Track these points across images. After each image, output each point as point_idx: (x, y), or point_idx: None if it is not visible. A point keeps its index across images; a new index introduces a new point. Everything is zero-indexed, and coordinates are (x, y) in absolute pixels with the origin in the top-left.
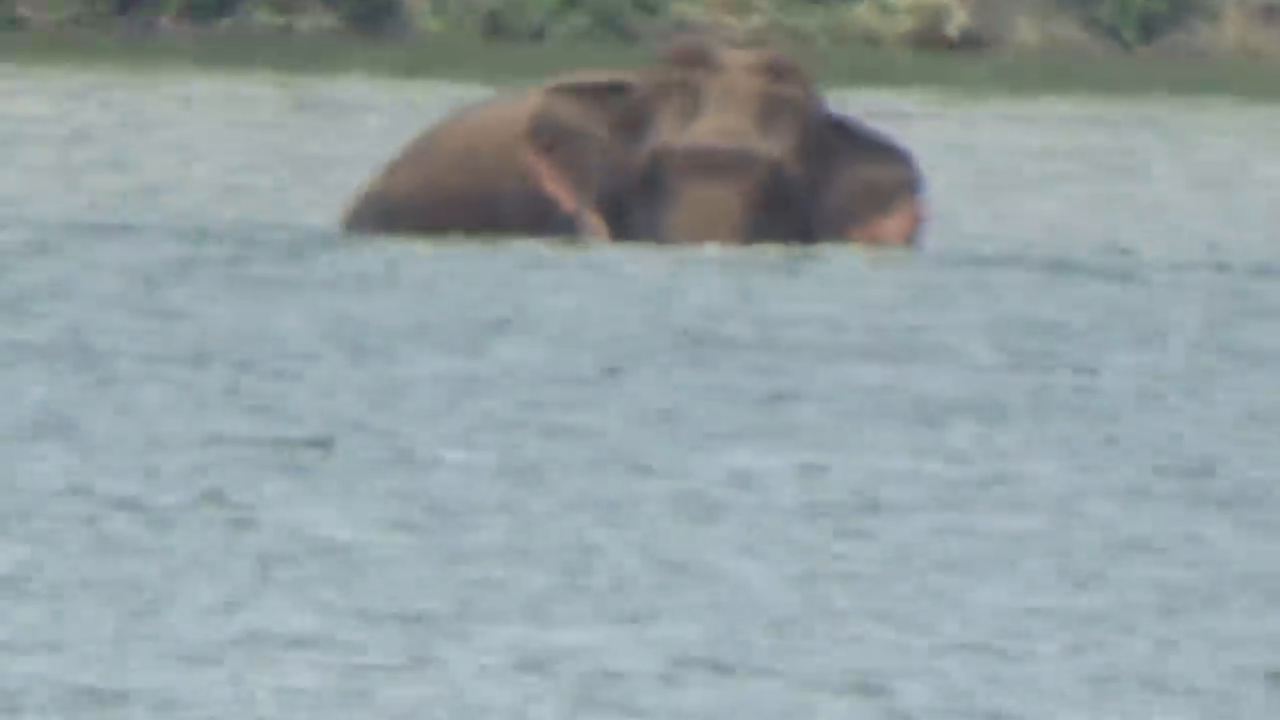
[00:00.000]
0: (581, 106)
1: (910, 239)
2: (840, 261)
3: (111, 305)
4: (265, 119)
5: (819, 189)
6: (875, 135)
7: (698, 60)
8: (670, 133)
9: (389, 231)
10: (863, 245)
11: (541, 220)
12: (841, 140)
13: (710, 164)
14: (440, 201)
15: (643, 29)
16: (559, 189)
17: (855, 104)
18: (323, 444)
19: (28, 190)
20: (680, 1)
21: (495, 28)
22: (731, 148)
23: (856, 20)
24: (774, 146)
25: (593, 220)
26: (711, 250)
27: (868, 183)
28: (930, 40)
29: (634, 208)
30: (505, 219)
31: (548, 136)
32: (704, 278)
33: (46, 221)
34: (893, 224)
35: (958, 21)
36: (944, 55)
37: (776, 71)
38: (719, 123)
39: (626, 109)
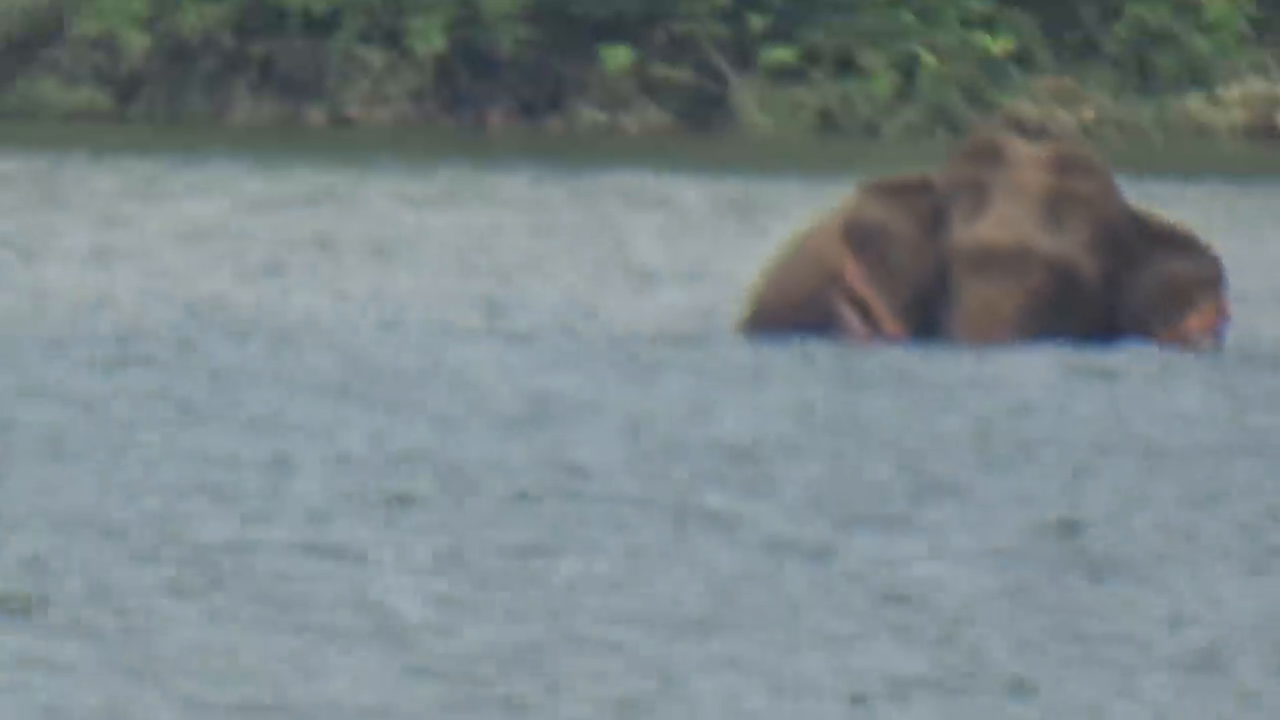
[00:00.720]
0: (890, 206)
1: (1215, 336)
2: (1149, 359)
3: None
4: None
5: (1121, 286)
6: (1176, 230)
7: (989, 156)
8: (958, 230)
9: (771, 332)
10: (1169, 342)
11: (861, 319)
12: (1141, 236)
13: (990, 261)
14: (793, 304)
15: (975, 123)
16: (867, 289)
17: (1187, 196)
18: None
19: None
20: (1012, 95)
21: (827, 123)
22: (1011, 244)
23: (1188, 112)
24: (1060, 243)
25: (886, 322)
26: (1017, 349)
27: (1170, 279)
28: (1262, 131)
29: (936, 306)
30: (834, 319)
31: (859, 237)
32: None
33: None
34: (1197, 321)
35: None
36: (1276, 147)
37: (1066, 166)
38: (1001, 219)
39: (928, 207)
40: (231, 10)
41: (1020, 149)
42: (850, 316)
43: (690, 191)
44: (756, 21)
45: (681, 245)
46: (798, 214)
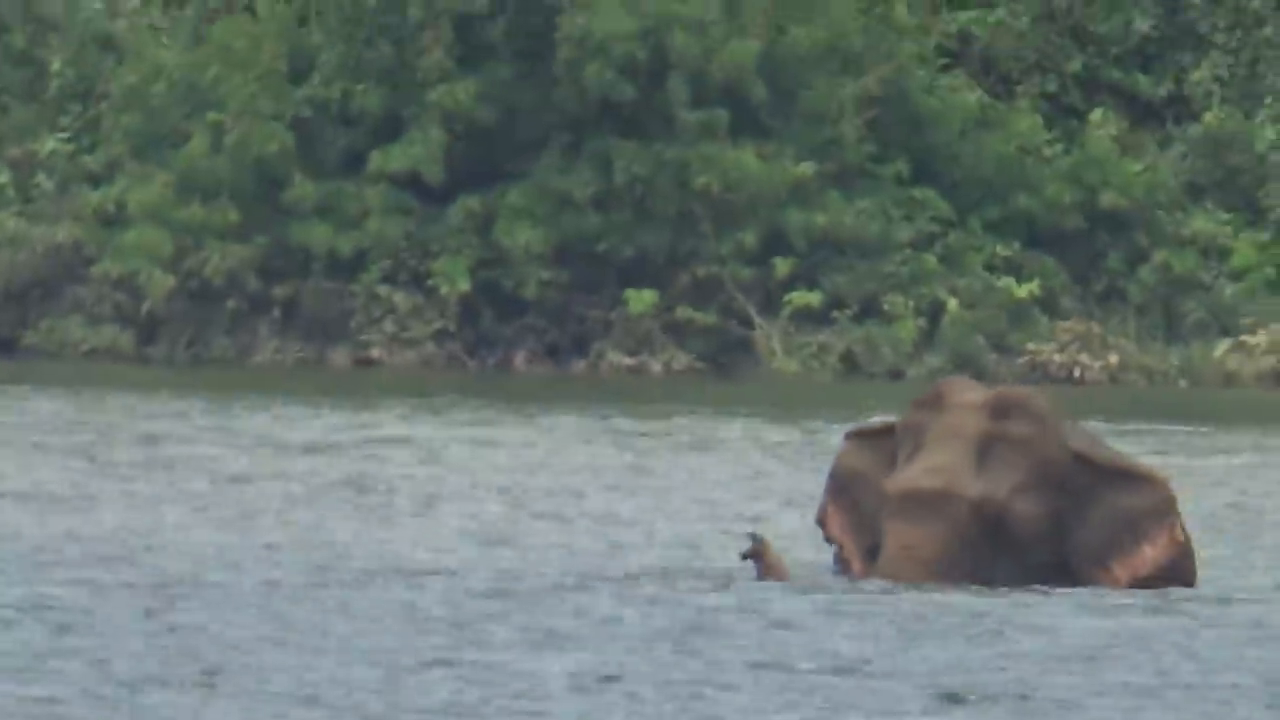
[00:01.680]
0: (863, 452)
1: (1172, 566)
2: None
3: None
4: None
5: (1070, 525)
6: (1124, 464)
7: (932, 401)
8: (893, 474)
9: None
10: (1125, 577)
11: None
12: (1088, 474)
13: (914, 504)
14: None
15: (999, 369)
16: (841, 534)
17: (1209, 441)
18: None
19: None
20: (1036, 340)
21: (851, 368)
22: (933, 488)
23: (1214, 359)
24: (989, 485)
25: (854, 563)
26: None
27: (1120, 513)
28: None
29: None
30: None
31: (836, 483)
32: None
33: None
34: (1151, 551)
35: None
36: None
37: (1003, 410)
38: (930, 464)
39: (890, 452)
40: (256, 251)
41: (962, 394)
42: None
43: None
44: (781, 266)
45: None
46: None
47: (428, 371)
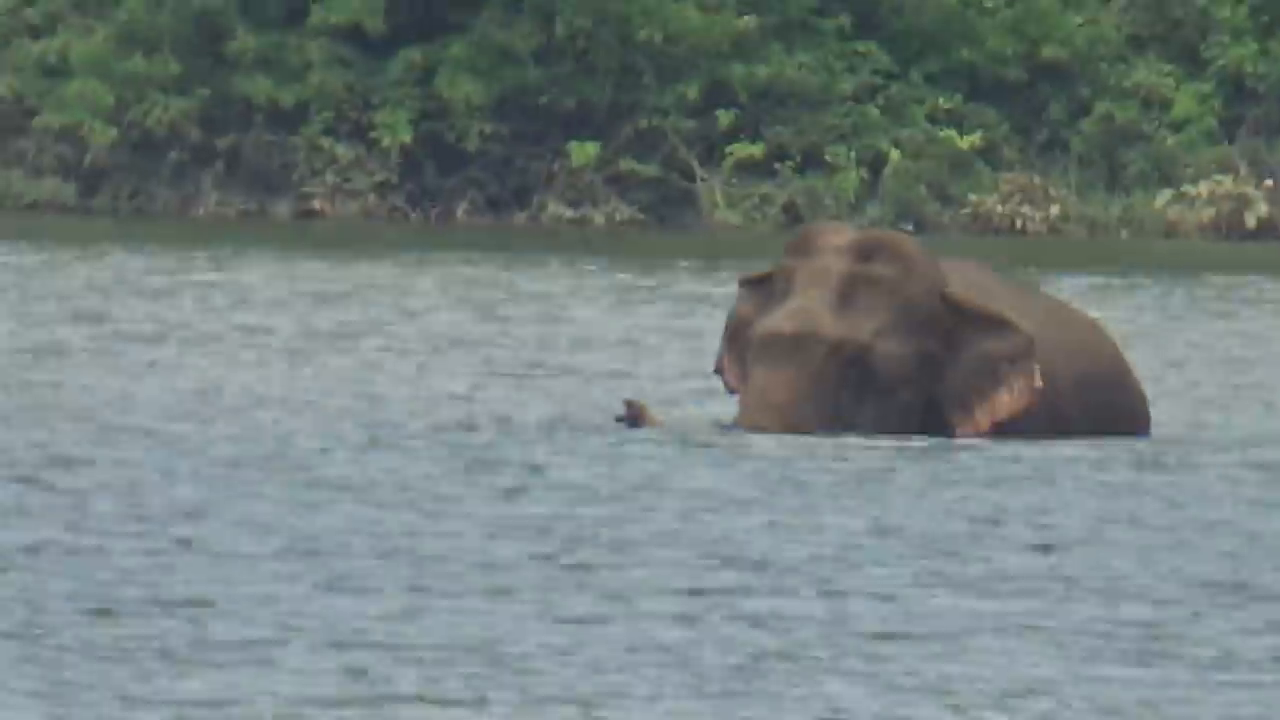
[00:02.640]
0: (753, 297)
1: (1026, 412)
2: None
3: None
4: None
5: (942, 368)
6: (985, 310)
7: (801, 246)
8: (761, 319)
9: None
10: (984, 421)
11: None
12: (954, 316)
13: (772, 348)
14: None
15: (941, 220)
16: (736, 382)
17: (1154, 291)
18: None
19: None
20: (979, 191)
21: (793, 219)
22: (793, 331)
23: (1156, 211)
24: (850, 328)
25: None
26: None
27: (981, 358)
28: (1230, 229)
29: None
30: None
31: (729, 330)
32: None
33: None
34: (1008, 398)
35: (1258, 212)
36: (1243, 245)
37: (866, 251)
38: (792, 307)
39: (766, 297)
40: (198, 103)
41: (829, 237)
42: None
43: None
44: (724, 118)
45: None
46: None
47: (370, 223)
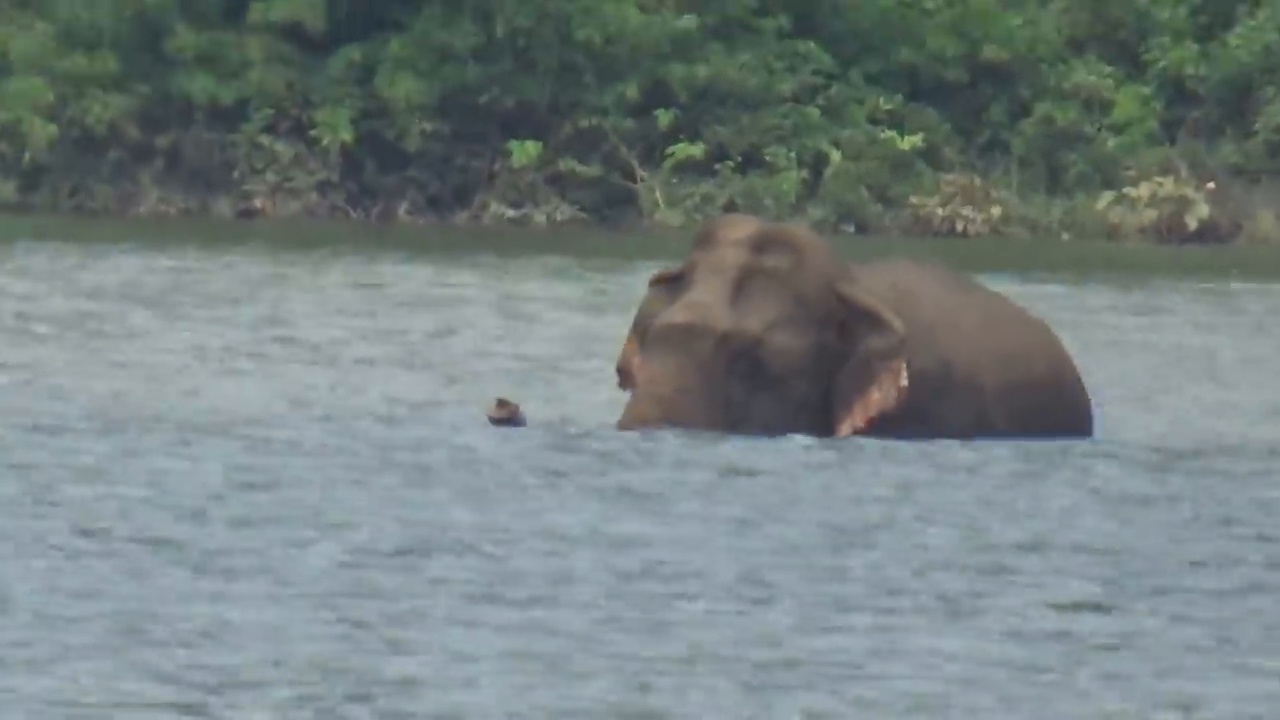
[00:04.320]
0: (660, 296)
1: (893, 409)
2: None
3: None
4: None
5: (838, 362)
6: (864, 304)
7: (704, 239)
8: (661, 311)
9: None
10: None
11: None
12: (844, 311)
13: (663, 340)
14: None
15: (882, 221)
16: (635, 373)
17: (1098, 296)
18: None
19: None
20: (920, 192)
21: None
22: (683, 322)
23: (1097, 213)
24: (740, 319)
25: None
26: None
27: (862, 354)
28: (1170, 231)
29: None
30: None
31: (640, 329)
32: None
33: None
34: (877, 395)
35: (1199, 214)
36: (1184, 248)
37: (762, 244)
38: (687, 300)
39: (674, 294)
40: (137, 101)
41: (730, 230)
42: None
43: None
44: (664, 118)
45: None
46: None
47: (310, 222)
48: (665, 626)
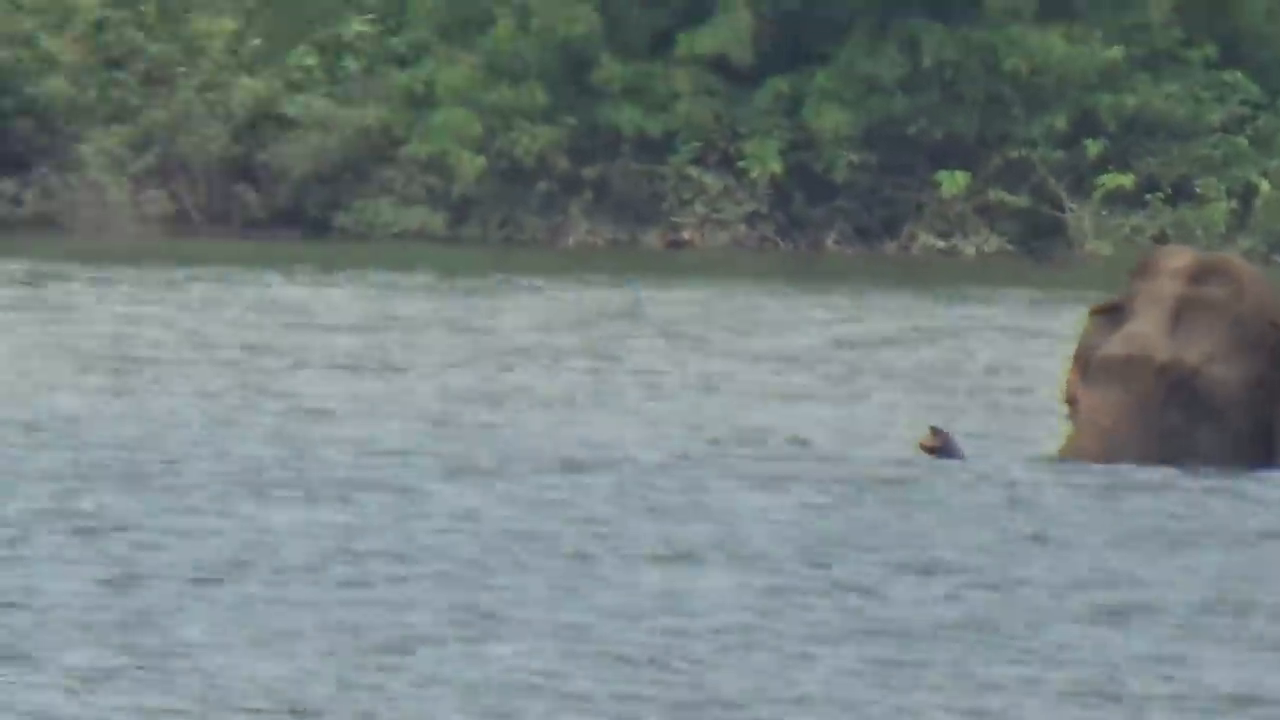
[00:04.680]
0: (1100, 327)
1: None
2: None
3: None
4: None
5: (1276, 391)
6: None
7: (1142, 270)
8: (1102, 342)
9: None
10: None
11: None
12: None
13: (1104, 372)
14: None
15: None
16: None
17: None
18: None
19: None
20: None
21: None
22: (1123, 354)
23: None
24: (1178, 350)
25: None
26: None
27: None
28: None
29: None
30: None
31: (1082, 361)
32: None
33: None
34: None
35: None
36: None
37: (1200, 274)
38: (1128, 332)
39: (1114, 325)
40: (565, 132)
41: (1169, 260)
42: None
43: None
44: (1092, 148)
45: None
46: None
47: (738, 253)
48: None
